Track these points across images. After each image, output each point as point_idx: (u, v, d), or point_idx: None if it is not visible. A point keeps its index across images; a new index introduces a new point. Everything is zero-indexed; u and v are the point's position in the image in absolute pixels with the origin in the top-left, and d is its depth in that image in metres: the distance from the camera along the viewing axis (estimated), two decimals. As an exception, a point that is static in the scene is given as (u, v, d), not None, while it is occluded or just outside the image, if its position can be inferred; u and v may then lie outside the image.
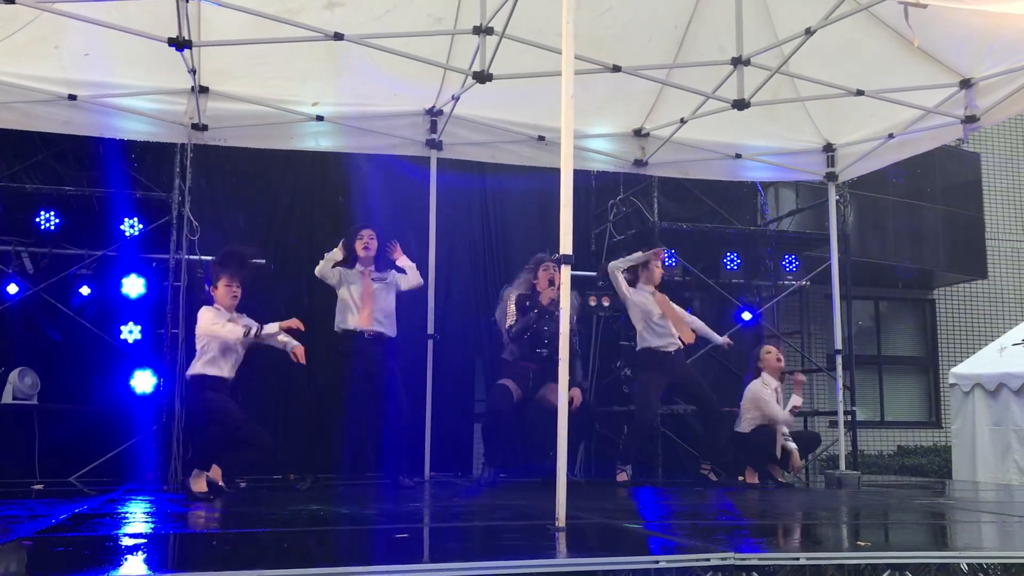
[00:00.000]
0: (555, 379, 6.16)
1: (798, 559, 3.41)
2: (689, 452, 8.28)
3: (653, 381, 7.13)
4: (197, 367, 5.82)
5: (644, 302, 7.14)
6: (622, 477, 7.00)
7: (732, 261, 8.98)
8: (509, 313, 6.90)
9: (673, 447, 8.36)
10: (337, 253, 6.53)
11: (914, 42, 5.98)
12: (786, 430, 7.07)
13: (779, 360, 7.23)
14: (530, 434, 7.05)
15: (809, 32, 5.94)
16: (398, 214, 7.81)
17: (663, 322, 7.10)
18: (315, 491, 6.12)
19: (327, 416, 6.42)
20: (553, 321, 6.43)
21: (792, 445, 7.02)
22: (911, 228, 11.09)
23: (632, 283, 7.19)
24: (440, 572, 3.20)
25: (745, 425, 7.13)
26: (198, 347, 5.85)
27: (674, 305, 7.30)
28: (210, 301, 5.95)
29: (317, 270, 6.54)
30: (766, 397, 7.04)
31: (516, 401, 6.79)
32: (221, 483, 5.81)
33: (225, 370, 5.82)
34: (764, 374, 7.17)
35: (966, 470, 8.57)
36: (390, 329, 6.51)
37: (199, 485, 5.66)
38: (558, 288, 6.37)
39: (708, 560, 3.24)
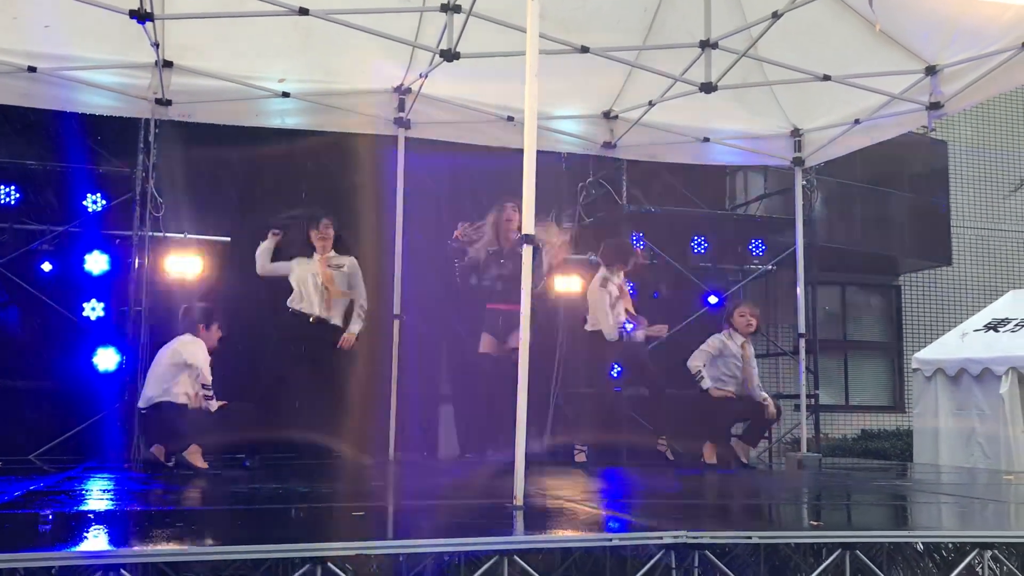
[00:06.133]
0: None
1: (750, 537, 3.45)
2: (651, 433, 8.31)
3: (598, 358, 7.19)
4: (180, 396, 5.88)
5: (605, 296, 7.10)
6: (580, 458, 7.02)
7: (699, 245, 9.01)
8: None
9: (637, 429, 8.39)
10: (268, 244, 6.60)
11: (876, 27, 6.01)
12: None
13: (749, 325, 7.25)
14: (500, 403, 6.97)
15: (776, 15, 5.95)
16: (364, 193, 7.76)
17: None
18: (275, 469, 6.09)
19: (282, 395, 6.41)
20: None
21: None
22: (878, 214, 11.18)
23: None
24: (395, 549, 3.21)
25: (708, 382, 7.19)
26: (183, 372, 5.90)
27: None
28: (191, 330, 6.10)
29: (259, 270, 6.63)
30: (716, 347, 7.20)
31: (494, 355, 6.87)
32: (164, 460, 5.89)
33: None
34: (732, 331, 7.28)
35: (928, 454, 8.68)
36: (337, 318, 6.59)
37: (199, 460, 5.80)
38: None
39: (661, 538, 3.27)
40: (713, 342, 7.29)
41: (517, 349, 6.26)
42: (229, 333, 6.29)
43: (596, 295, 7.09)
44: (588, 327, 7.17)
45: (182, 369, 5.88)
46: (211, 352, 6.09)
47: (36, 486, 4.76)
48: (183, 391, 5.85)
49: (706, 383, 7.13)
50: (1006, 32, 5.88)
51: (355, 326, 6.66)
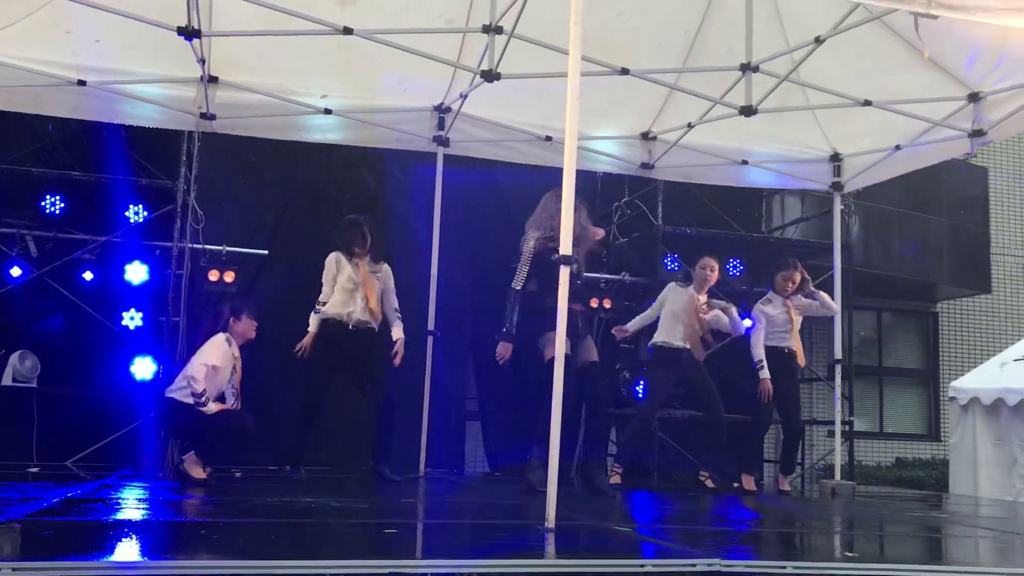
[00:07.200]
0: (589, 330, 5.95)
1: (785, 567, 3.40)
2: (686, 457, 8.27)
3: (661, 377, 7.07)
4: (182, 394, 5.83)
5: (678, 300, 7.07)
6: (615, 479, 6.95)
7: (735, 267, 8.97)
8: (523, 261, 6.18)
9: (669, 452, 8.36)
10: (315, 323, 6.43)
11: (924, 53, 5.97)
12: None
13: (785, 290, 7.22)
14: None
15: (819, 41, 5.93)
16: (403, 209, 7.82)
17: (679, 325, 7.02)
18: (309, 482, 6.12)
19: (323, 407, 6.42)
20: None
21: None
22: (916, 240, 11.06)
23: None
24: (426, 570, 3.21)
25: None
26: (193, 373, 5.82)
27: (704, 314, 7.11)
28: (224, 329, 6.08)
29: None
30: (770, 313, 7.20)
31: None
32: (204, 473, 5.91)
33: (215, 391, 5.96)
34: (771, 294, 7.31)
35: (965, 484, 8.53)
36: (375, 323, 6.46)
37: (197, 471, 5.76)
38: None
39: (695, 566, 3.24)
40: (758, 323, 7.25)
41: (593, 363, 6.15)
42: (267, 345, 6.34)
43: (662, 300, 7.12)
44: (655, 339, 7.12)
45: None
46: (247, 344, 6.13)
47: (73, 493, 4.83)
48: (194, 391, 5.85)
49: (764, 373, 7.09)
50: (1052, 60, 5.83)
51: (398, 331, 6.49)
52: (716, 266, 7.15)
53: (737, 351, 8.31)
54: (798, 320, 7.26)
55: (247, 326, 6.15)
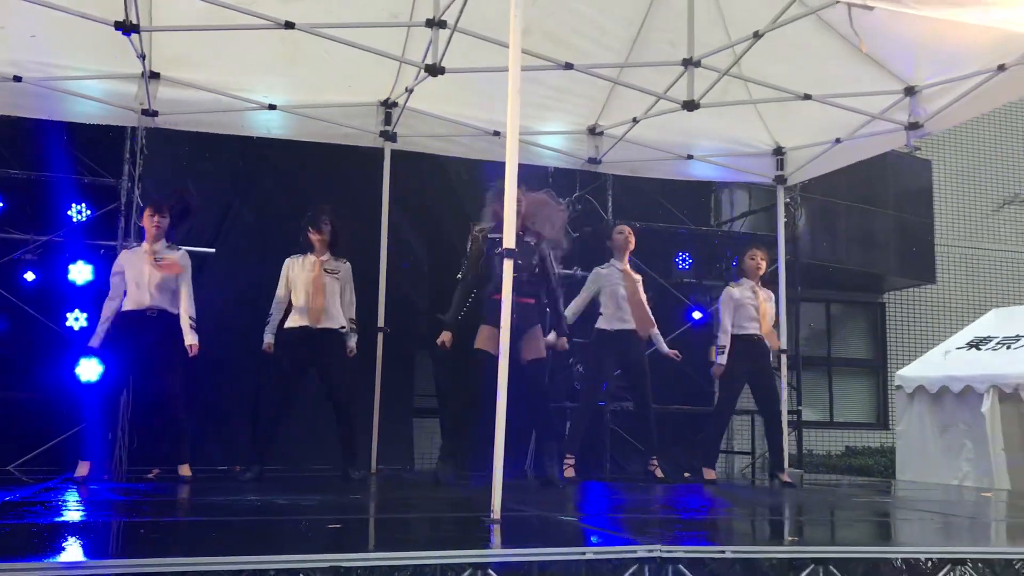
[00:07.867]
0: (533, 324, 5.98)
1: (724, 552, 3.46)
2: (638, 449, 8.33)
3: (602, 360, 7.11)
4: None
5: (611, 277, 7.10)
6: (569, 472, 6.93)
7: (684, 261, 9.06)
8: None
9: (621, 443, 8.42)
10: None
11: (862, 47, 6.07)
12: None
13: (758, 268, 7.23)
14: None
15: (757, 35, 6.00)
16: (351, 203, 7.76)
17: (624, 304, 7.06)
18: (258, 481, 6.06)
19: (275, 407, 6.36)
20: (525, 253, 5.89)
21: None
22: (862, 232, 11.26)
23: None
24: (366, 563, 3.21)
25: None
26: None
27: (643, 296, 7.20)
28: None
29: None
30: (736, 296, 7.15)
31: (492, 353, 5.53)
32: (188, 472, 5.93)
33: (143, 303, 6.04)
34: (742, 278, 7.28)
35: (912, 471, 8.70)
36: (337, 322, 6.39)
37: (81, 469, 5.80)
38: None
39: (635, 552, 3.28)
40: (725, 301, 7.22)
41: (534, 360, 6.12)
42: (214, 343, 6.27)
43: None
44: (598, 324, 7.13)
45: None
46: (154, 235, 6.11)
47: (11, 497, 4.74)
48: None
49: (721, 359, 7.03)
50: (984, 54, 5.96)
51: (351, 341, 6.47)
52: (630, 231, 7.24)
53: (691, 344, 8.40)
54: (768, 307, 7.21)
55: (146, 220, 6.15)
